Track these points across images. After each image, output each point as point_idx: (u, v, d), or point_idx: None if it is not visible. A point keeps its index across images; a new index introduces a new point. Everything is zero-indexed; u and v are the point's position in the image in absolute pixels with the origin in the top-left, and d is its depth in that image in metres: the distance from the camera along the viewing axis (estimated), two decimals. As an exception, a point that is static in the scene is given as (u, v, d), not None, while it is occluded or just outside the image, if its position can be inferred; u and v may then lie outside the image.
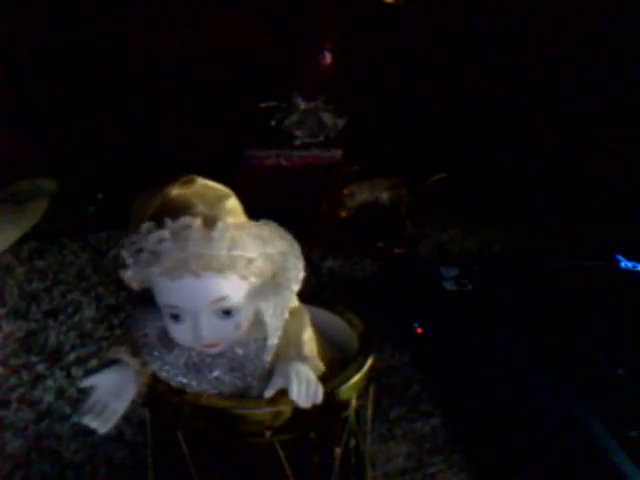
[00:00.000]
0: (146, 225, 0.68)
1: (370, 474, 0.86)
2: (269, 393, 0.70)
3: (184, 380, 0.73)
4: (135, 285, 0.71)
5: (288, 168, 1.68)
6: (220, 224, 0.67)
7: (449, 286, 1.33)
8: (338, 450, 0.76)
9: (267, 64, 1.77)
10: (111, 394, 0.71)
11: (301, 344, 0.73)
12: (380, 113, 1.83)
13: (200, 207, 0.69)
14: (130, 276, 0.70)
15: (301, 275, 0.72)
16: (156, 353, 0.74)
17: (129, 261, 0.69)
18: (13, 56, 1.78)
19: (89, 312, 1.37)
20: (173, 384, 0.73)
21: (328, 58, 1.70)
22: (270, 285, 0.71)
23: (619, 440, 0.93)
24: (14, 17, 1.75)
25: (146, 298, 0.73)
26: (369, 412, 0.82)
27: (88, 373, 0.74)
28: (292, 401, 0.70)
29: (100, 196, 1.77)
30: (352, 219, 1.63)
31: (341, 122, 1.72)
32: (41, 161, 1.82)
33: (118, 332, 1.30)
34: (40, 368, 1.20)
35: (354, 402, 0.76)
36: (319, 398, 0.69)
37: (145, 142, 1.82)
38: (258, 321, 0.72)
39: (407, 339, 1.28)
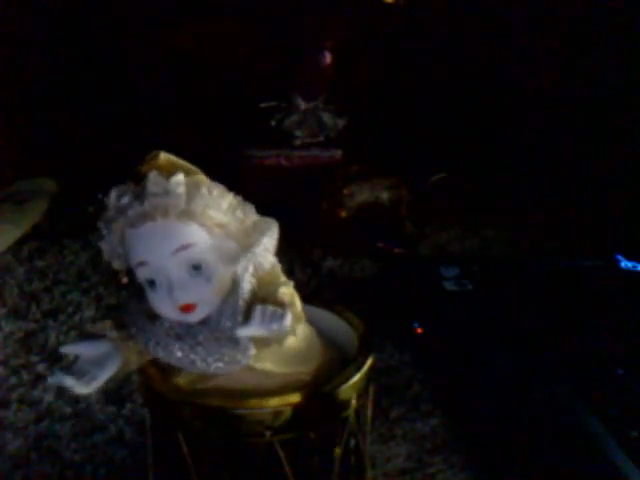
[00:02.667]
0: (112, 189, 0.74)
1: (370, 474, 0.86)
2: (242, 332, 0.69)
3: (170, 350, 0.72)
4: (114, 261, 0.73)
5: (288, 168, 1.68)
6: (176, 176, 0.70)
7: (449, 286, 1.33)
8: (338, 450, 0.76)
9: (267, 64, 1.77)
10: (93, 363, 0.71)
11: (276, 292, 0.72)
12: (380, 113, 1.83)
13: (160, 170, 0.72)
14: (105, 246, 0.74)
15: (274, 240, 0.73)
16: (141, 325, 0.74)
17: (103, 231, 0.74)
18: (13, 56, 1.78)
19: (89, 312, 1.37)
20: (161, 357, 0.73)
21: (328, 58, 1.70)
22: (244, 250, 0.72)
23: (619, 440, 0.93)
24: (14, 17, 1.75)
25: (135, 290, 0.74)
26: (369, 412, 0.82)
27: (70, 343, 0.75)
28: (292, 401, 0.70)
29: (100, 196, 1.76)
30: (352, 219, 1.63)
31: (341, 122, 1.72)
32: (41, 161, 1.82)
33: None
34: (40, 368, 1.20)
35: (354, 402, 0.76)
36: (286, 321, 0.68)
37: (145, 142, 1.82)
38: (235, 288, 0.72)
39: (407, 339, 1.28)
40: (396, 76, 1.85)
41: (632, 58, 1.67)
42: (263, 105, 1.74)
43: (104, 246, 0.74)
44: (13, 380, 1.17)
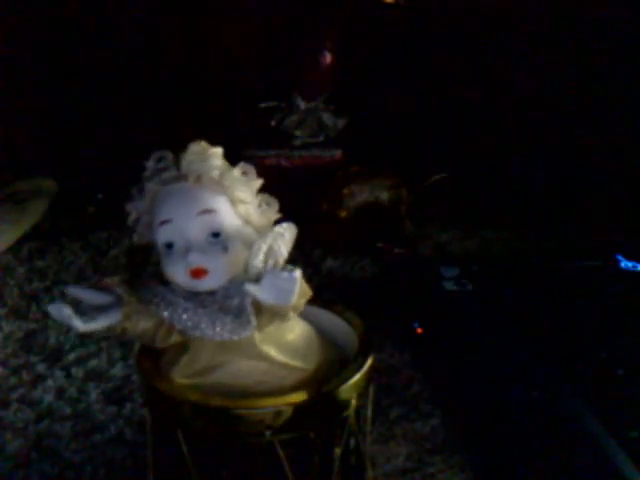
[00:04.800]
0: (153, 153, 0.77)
1: (370, 474, 0.86)
2: (250, 287, 0.69)
3: (176, 310, 0.73)
4: (137, 226, 0.77)
5: (288, 168, 1.68)
6: (215, 149, 0.77)
7: (449, 286, 1.33)
8: (338, 450, 0.76)
9: (267, 64, 1.77)
10: (95, 309, 0.71)
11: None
12: (380, 113, 1.83)
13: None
14: (133, 209, 0.77)
15: (290, 237, 0.75)
16: (150, 286, 0.76)
17: (134, 192, 0.77)
18: (13, 56, 1.78)
19: (89, 312, 1.36)
20: (167, 317, 0.74)
21: (328, 58, 1.70)
22: (260, 238, 0.73)
23: (619, 440, 0.93)
24: (14, 16, 1.75)
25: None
26: (369, 412, 0.82)
27: (76, 286, 0.74)
28: (292, 401, 0.70)
29: (100, 196, 1.77)
30: (352, 219, 1.63)
31: (341, 122, 1.72)
32: (41, 161, 1.82)
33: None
34: (40, 368, 1.21)
35: (354, 402, 0.76)
36: (295, 280, 0.68)
37: (145, 142, 1.82)
38: (246, 269, 0.73)
39: (407, 339, 1.28)
40: (396, 76, 1.85)
41: (632, 58, 1.67)
42: (263, 105, 1.74)
43: (132, 209, 0.77)
44: (13, 380, 1.17)
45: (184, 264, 0.72)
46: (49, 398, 1.13)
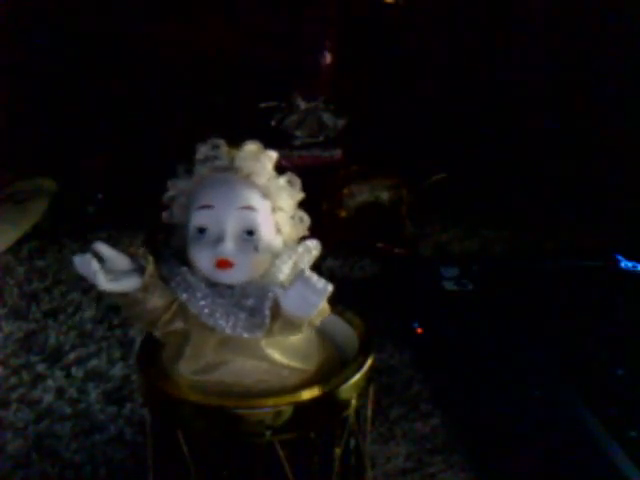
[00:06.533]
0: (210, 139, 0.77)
1: (370, 474, 0.86)
2: (281, 296, 0.70)
3: (194, 294, 0.73)
4: (172, 204, 0.76)
5: (288, 168, 1.67)
6: (271, 153, 0.79)
7: (449, 286, 1.33)
8: (338, 450, 0.76)
9: (267, 64, 1.77)
10: (118, 271, 0.71)
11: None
12: (380, 113, 1.83)
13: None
14: (175, 186, 0.76)
15: (315, 253, 0.80)
16: (173, 267, 0.75)
17: (180, 170, 0.76)
18: (13, 55, 1.78)
19: (89, 312, 1.37)
20: (184, 299, 0.73)
21: (328, 58, 1.70)
22: (289, 250, 0.77)
23: (619, 440, 0.93)
24: (14, 16, 1.76)
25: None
26: (369, 412, 0.82)
27: (105, 245, 0.74)
28: (292, 401, 0.70)
29: (100, 196, 1.77)
30: (352, 219, 1.63)
31: (341, 122, 1.72)
32: (41, 161, 1.82)
33: (118, 332, 1.31)
34: (40, 368, 1.21)
35: (354, 402, 0.76)
36: (326, 291, 0.69)
37: (145, 142, 1.82)
38: (269, 276, 0.75)
39: (407, 339, 1.28)
40: (396, 76, 1.85)
41: (632, 58, 1.67)
42: (263, 105, 1.74)
43: (173, 186, 0.77)
44: (13, 380, 1.17)
45: (213, 252, 0.72)
46: (49, 398, 1.13)
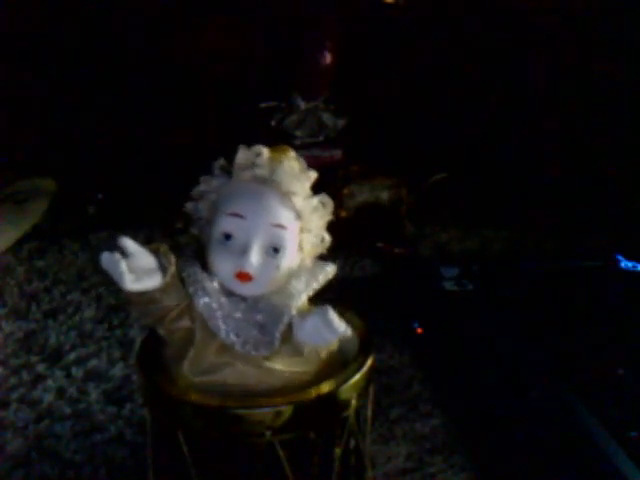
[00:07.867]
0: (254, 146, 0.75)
1: (370, 474, 0.86)
2: (298, 330, 0.71)
3: (210, 303, 0.73)
4: (198, 199, 0.76)
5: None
6: (311, 173, 0.77)
7: (449, 286, 1.33)
8: (338, 450, 0.76)
9: (267, 64, 1.77)
10: (142, 269, 0.70)
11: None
12: (380, 113, 1.83)
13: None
14: (207, 184, 0.75)
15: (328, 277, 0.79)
16: (194, 270, 0.74)
17: (216, 170, 0.76)
18: (13, 55, 1.78)
19: (89, 312, 1.37)
20: (198, 305, 0.73)
21: (328, 58, 1.70)
22: (306, 271, 0.77)
23: (619, 440, 0.93)
24: (14, 14, 1.75)
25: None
26: (369, 412, 0.82)
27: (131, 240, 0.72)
28: (292, 401, 0.70)
29: (100, 196, 1.77)
30: (352, 219, 1.63)
31: (341, 122, 1.72)
32: (41, 161, 1.82)
33: (118, 332, 1.31)
34: (40, 368, 1.21)
35: (354, 402, 0.76)
36: (343, 332, 0.70)
37: (145, 142, 1.82)
38: (286, 295, 0.75)
39: (407, 339, 1.28)
40: (396, 76, 1.85)
41: (632, 58, 1.67)
42: (263, 105, 1.74)
43: (206, 182, 0.76)
44: (13, 380, 1.17)
45: (236, 263, 0.72)
46: (49, 398, 1.13)
